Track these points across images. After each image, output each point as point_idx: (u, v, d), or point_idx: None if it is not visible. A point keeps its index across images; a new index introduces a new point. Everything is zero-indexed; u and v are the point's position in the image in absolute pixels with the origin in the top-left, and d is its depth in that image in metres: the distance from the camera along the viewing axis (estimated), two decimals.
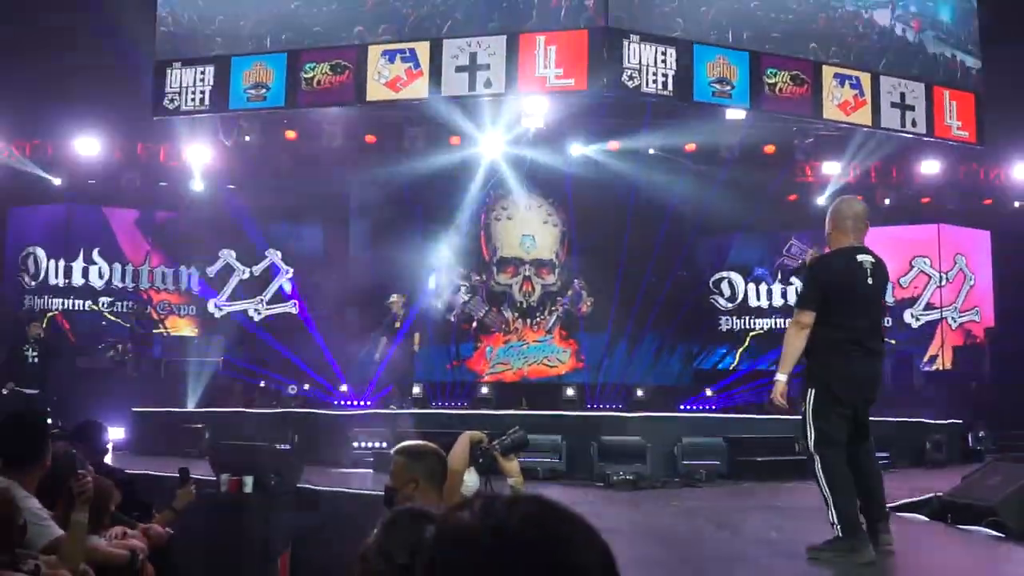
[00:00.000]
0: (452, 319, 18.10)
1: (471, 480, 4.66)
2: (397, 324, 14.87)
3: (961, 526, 7.25)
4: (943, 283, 17.89)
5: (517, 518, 1.40)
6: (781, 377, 5.94)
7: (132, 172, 17.17)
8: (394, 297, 15.05)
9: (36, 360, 13.73)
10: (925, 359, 17.66)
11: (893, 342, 15.40)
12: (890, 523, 5.90)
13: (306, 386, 16.15)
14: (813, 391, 5.86)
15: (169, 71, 13.97)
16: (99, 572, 4.93)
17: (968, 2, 14.97)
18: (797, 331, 5.90)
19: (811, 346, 5.87)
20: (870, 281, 5.98)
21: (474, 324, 18.15)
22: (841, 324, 5.86)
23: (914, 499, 8.27)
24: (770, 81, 13.44)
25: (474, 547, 1.38)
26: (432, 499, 4.18)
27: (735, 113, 14.71)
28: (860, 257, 6.02)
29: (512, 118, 15.39)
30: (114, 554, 5.34)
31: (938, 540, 7.18)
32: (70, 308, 17.25)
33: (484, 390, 16.39)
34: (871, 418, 6.14)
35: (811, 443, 5.81)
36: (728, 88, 13.27)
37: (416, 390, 15.56)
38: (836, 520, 5.66)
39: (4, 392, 13.38)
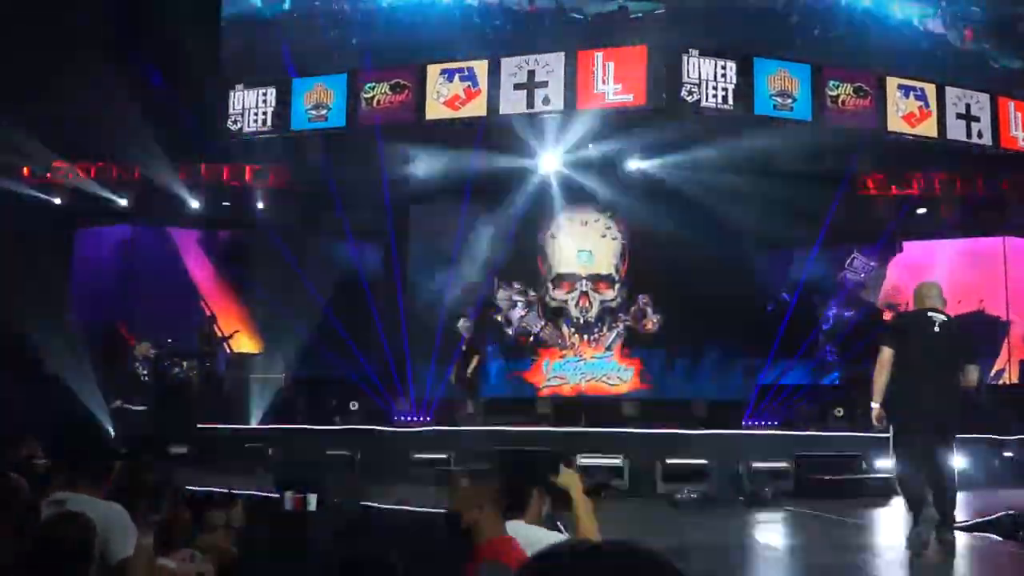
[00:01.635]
0: (510, 332, 18.09)
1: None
2: (464, 347, 15.32)
3: None
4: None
5: (616, 570, 1.36)
6: (874, 405, 7.32)
7: (196, 192, 17.41)
8: (462, 321, 15.31)
9: (147, 378, 13.87)
10: (991, 373, 17.33)
11: None
12: (945, 528, 7.01)
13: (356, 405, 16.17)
14: (893, 418, 7.27)
15: (232, 92, 14.17)
16: None
17: None
18: (878, 367, 7.33)
19: (891, 381, 7.27)
20: (936, 330, 7.34)
21: (531, 338, 18.11)
22: (909, 363, 7.26)
23: (985, 518, 8.11)
24: (832, 94, 13.30)
25: None
26: (496, 525, 4.15)
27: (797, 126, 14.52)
28: (930, 313, 7.44)
29: (572, 134, 15.36)
30: None
31: (1012, 562, 7.01)
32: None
33: (543, 406, 16.26)
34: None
35: (892, 458, 7.34)
36: (790, 101, 13.15)
37: (470, 407, 15.59)
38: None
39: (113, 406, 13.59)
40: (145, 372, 13.90)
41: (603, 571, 1.36)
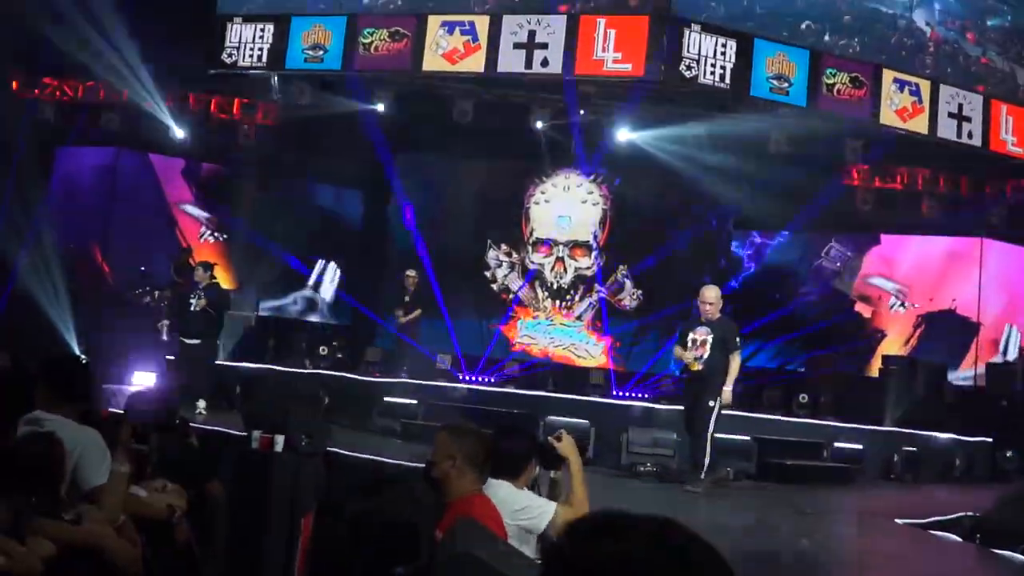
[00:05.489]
0: (495, 288, 18.19)
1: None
2: (407, 298, 15.22)
3: (994, 550, 7.15)
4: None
5: (645, 543, 1.36)
6: (728, 388, 9.87)
7: (182, 122, 17.21)
8: (410, 272, 15.22)
9: (198, 309, 12.89)
10: (959, 374, 17.49)
11: None
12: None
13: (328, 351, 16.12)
14: (720, 397, 9.80)
15: (230, 25, 13.98)
16: (137, 524, 4.93)
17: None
18: (741, 365, 10.15)
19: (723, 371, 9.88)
20: None
21: (511, 296, 18.22)
22: None
23: (945, 517, 8.21)
24: (829, 81, 13.28)
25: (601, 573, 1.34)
26: (468, 479, 4.20)
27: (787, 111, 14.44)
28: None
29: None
30: (153, 508, 5.35)
31: (973, 564, 7.10)
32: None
33: (513, 368, 16.30)
34: None
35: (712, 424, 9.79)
36: (786, 85, 13.12)
37: (444, 363, 15.58)
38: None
39: (164, 334, 12.80)
40: (202, 302, 12.82)
41: (637, 551, 1.35)
